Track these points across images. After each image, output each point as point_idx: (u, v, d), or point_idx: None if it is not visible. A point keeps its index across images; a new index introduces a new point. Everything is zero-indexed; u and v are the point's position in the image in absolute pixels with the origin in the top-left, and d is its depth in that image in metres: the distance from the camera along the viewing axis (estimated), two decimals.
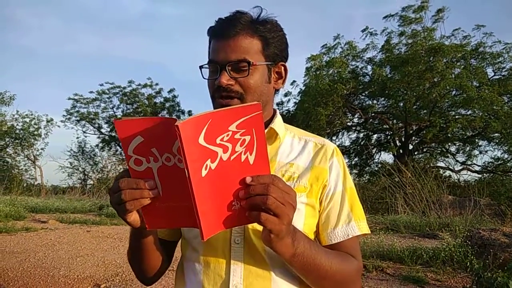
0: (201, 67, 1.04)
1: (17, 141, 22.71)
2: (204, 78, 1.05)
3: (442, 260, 4.53)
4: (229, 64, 0.97)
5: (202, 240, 0.74)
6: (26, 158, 23.91)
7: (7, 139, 22.35)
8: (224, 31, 0.99)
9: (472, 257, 4.12)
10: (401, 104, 16.69)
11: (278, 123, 1.09)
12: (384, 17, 16.99)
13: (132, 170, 0.78)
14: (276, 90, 1.12)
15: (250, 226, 0.95)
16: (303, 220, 0.99)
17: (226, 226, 0.79)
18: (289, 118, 18.60)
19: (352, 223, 1.02)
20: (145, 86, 25.28)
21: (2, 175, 21.58)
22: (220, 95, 0.99)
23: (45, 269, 4.57)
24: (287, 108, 20.30)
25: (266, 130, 1.04)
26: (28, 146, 23.25)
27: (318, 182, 1.02)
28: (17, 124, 22.91)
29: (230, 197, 0.76)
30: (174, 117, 0.78)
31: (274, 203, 0.74)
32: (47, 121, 24.04)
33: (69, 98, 24.86)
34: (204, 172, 0.71)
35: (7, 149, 23.03)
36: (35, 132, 23.32)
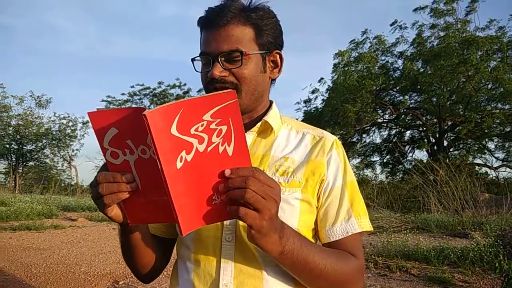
0: (193, 59, 1.00)
1: (53, 142, 23.59)
2: (197, 71, 1.00)
3: (471, 261, 4.27)
4: (222, 55, 0.93)
5: (180, 235, 0.70)
6: (62, 159, 24.87)
7: (44, 141, 23.24)
8: (214, 20, 0.94)
9: (502, 258, 3.87)
10: (434, 99, 16.14)
11: (272, 116, 1.03)
12: (414, 10, 16.56)
13: (109, 163, 0.75)
14: (273, 80, 1.07)
15: (241, 223, 0.91)
16: (298, 216, 0.94)
17: (206, 221, 0.74)
18: (317, 116, 18.43)
19: (352, 219, 0.96)
20: (173, 86, 25.94)
21: (41, 175, 22.52)
22: (214, 87, 0.94)
23: (67, 265, 4.66)
24: (314, 106, 20.13)
25: (259, 123, 1.00)
26: (64, 147, 24.12)
27: (314, 177, 0.96)
28: (53, 126, 23.83)
29: (209, 191, 0.72)
30: (143, 106, 0.73)
31: (253, 196, 0.69)
32: (83, 123, 24.92)
33: (103, 100, 25.86)
34: (179, 164, 0.67)
35: (44, 150, 23.99)
36: (71, 134, 24.17)
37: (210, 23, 0.96)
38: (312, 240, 0.97)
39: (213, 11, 0.96)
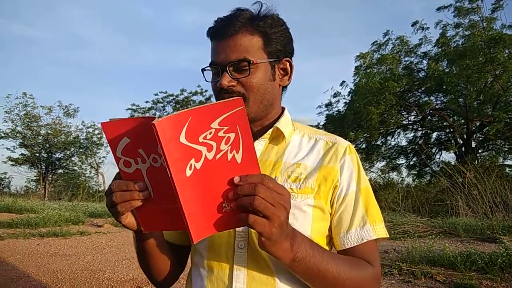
0: (203, 70, 1.02)
1: (81, 150, 24.17)
2: (207, 81, 1.02)
3: (500, 266, 4.12)
4: (230, 65, 0.94)
5: (192, 243, 0.71)
6: (90, 166, 25.48)
7: (72, 149, 23.83)
8: (222, 30, 0.96)
9: None
10: (461, 99, 15.72)
11: (284, 122, 1.04)
12: (438, 9, 16.16)
13: (122, 172, 0.77)
14: (284, 87, 1.08)
15: (253, 230, 0.89)
16: (311, 223, 0.94)
17: (217, 229, 0.74)
18: (339, 119, 18.25)
19: (367, 226, 0.95)
20: (196, 93, 26.32)
21: (69, 182, 23.09)
22: (222, 97, 0.95)
23: (92, 271, 4.74)
24: (337, 109, 19.90)
25: (271, 130, 1.01)
26: (92, 154, 24.68)
27: (327, 183, 0.96)
28: (81, 134, 24.44)
29: (219, 199, 0.73)
30: (153, 115, 0.75)
31: (262, 203, 0.69)
32: None
33: (128, 109, 26.48)
34: (188, 172, 0.68)
35: (73, 158, 24.60)
36: (98, 142, 24.73)
37: (218, 33, 0.97)
38: (327, 247, 0.96)
39: (222, 21, 0.97)
